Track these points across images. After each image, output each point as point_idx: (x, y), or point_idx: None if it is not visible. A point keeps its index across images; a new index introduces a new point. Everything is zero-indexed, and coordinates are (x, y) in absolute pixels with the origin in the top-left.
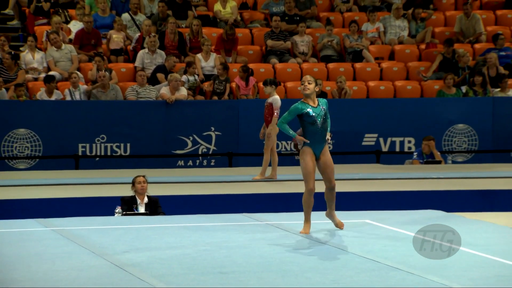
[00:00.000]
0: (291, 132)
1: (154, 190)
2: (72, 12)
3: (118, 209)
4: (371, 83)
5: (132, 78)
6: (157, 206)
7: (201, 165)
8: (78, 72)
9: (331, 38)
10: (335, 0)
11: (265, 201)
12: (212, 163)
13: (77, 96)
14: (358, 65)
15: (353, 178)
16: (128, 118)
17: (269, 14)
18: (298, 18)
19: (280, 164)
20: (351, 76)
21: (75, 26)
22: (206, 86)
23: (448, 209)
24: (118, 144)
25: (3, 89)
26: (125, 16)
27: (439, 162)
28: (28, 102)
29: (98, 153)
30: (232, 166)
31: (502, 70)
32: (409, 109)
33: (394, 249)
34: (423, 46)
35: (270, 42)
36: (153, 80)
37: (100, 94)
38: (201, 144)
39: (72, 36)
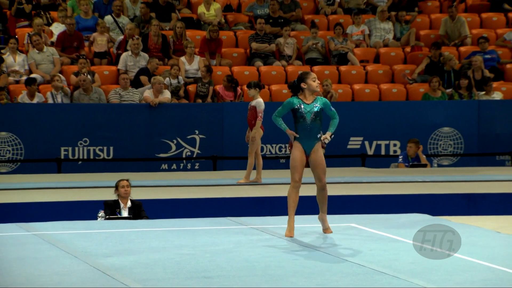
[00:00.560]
0: (284, 125)
1: (138, 194)
2: (54, 14)
3: (101, 213)
4: (356, 86)
5: (115, 81)
6: (140, 210)
7: (185, 169)
8: (61, 75)
9: (316, 40)
10: (320, 2)
11: (249, 205)
12: (196, 167)
13: (59, 99)
14: (343, 68)
15: (339, 181)
16: (111, 121)
17: (254, 16)
18: (282, 20)
19: (265, 167)
20: (336, 79)
21: (57, 28)
22: (190, 88)
23: (433, 213)
24: (101, 147)
25: None
26: (108, 18)
27: (424, 166)
28: (10, 105)
29: (81, 157)
30: (217, 170)
31: (487, 73)
32: (394, 112)
33: (379, 253)
34: (408, 49)
35: (254, 45)
36: (136, 83)
37: (83, 97)
38: (185, 148)
39: (54, 38)
